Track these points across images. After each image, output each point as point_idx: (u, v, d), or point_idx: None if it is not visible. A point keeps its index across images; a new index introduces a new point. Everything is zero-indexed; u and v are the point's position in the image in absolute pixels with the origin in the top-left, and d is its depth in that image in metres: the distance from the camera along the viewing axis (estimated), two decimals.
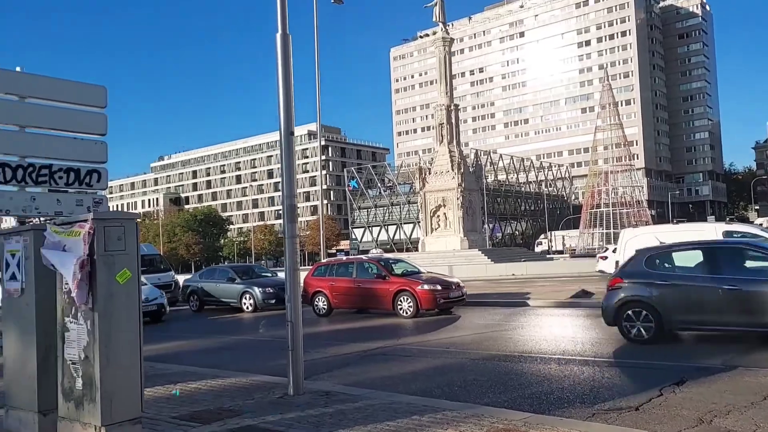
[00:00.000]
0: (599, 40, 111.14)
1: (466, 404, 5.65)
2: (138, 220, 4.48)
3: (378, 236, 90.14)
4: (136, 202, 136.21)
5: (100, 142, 8.40)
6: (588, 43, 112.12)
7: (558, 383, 6.76)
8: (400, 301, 13.76)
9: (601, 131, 70.35)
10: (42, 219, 7.23)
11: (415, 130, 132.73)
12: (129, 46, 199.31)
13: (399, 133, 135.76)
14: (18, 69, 7.68)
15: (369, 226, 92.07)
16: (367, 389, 6.50)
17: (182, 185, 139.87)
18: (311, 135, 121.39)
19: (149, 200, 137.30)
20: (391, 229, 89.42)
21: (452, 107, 41.83)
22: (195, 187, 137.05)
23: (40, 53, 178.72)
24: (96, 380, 4.14)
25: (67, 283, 4.40)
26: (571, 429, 4.69)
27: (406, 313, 13.62)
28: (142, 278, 20.34)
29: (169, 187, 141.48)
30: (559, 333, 10.88)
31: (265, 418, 5.39)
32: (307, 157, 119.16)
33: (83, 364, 4.25)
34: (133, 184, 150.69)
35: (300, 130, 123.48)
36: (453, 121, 42.01)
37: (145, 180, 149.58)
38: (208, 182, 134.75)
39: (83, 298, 4.16)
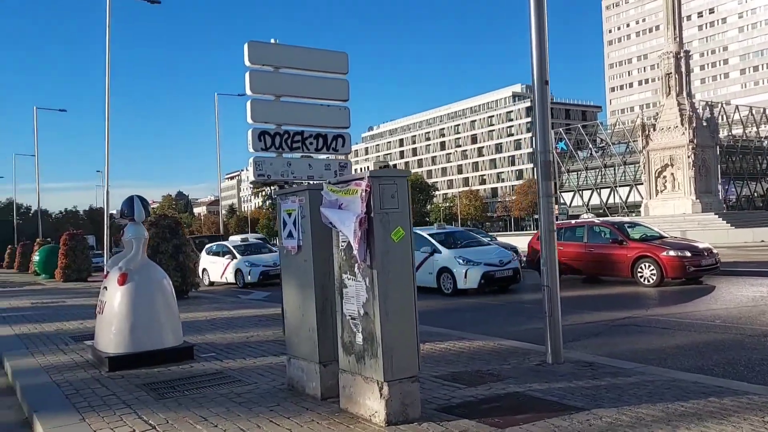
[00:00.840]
0: None
1: None
2: (408, 177, 4.38)
3: (589, 200, 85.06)
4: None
5: (343, 107, 8.71)
6: None
7: None
8: (641, 268, 12.55)
9: None
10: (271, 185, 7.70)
11: (630, 84, 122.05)
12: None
13: (612, 89, 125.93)
14: (273, 41, 8.20)
15: (579, 190, 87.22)
16: (635, 363, 5.86)
17: (390, 153, 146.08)
18: (516, 97, 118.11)
19: (360, 168, 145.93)
20: (604, 192, 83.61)
21: (681, 54, 37.27)
22: (402, 155, 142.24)
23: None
24: (377, 336, 4.16)
25: (344, 241, 4.48)
26: None
27: (648, 281, 12.40)
28: (485, 239, 18.88)
29: (378, 156, 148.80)
30: None
31: (531, 385, 5.09)
32: (512, 120, 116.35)
33: (363, 319, 4.30)
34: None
35: (503, 93, 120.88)
36: (683, 69, 37.50)
37: (356, 150, 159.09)
38: (414, 150, 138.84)
39: (363, 255, 4.17)
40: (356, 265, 4.32)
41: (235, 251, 20.80)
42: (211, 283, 21.15)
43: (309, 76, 8.35)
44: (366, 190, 4.17)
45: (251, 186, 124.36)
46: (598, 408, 4.39)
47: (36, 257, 31.03)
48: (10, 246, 49.13)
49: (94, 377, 6.23)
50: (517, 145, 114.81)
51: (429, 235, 14.74)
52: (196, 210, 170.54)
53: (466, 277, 13.21)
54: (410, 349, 4.27)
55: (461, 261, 13.47)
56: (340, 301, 4.59)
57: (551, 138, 6.01)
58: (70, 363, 7.08)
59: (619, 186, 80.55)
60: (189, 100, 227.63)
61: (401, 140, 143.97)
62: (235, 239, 30.48)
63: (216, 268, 21.18)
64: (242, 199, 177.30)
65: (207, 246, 23.40)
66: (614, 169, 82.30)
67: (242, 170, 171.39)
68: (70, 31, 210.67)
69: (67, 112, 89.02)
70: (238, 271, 20.00)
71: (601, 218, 27.49)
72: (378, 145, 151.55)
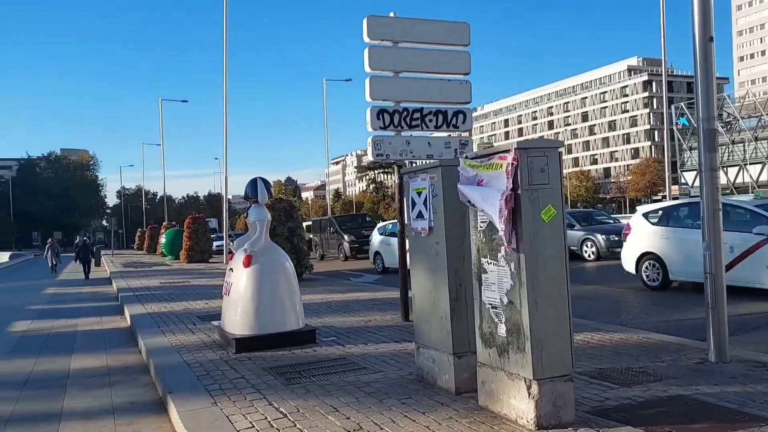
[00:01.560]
0: None
1: None
2: (561, 149, 3.86)
3: None
4: None
5: (464, 81, 8.23)
6: None
7: None
8: None
9: None
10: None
11: (762, 53, 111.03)
12: None
13: (741, 58, 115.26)
14: (392, 14, 7.85)
15: None
16: None
17: (494, 134, 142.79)
18: (631, 71, 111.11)
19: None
20: (732, 171, 76.75)
21: None
22: (506, 135, 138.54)
23: None
24: (524, 328, 3.71)
25: (483, 221, 4.05)
26: None
27: None
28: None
29: (482, 137, 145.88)
30: None
31: (698, 388, 4.43)
32: (627, 95, 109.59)
33: (507, 309, 3.86)
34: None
35: (617, 67, 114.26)
36: None
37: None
38: (520, 130, 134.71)
39: (509, 236, 3.72)
40: (500, 248, 3.88)
41: None
42: (386, 269, 18.03)
43: (429, 50, 7.96)
44: (512, 164, 3.70)
45: (356, 170, 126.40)
46: None
47: (163, 239, 33.20)
48: (139, 229, 53.16)
49: (222, 358, 6.25)
50: (633, 122, 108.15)
51: (759, 207, 9.83)
52: (303, 194, 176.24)
53: None
54: (563, 343, 3.78)
55: None
56: (478, 287, 4.17)
57: (715, 103, 5.20)
58: (199, 343, 7.21)
59: (750, 163, 73.63)
60: (297, 87, 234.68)
61: (506, 120, 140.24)
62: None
63: (395, 251, 18.98)
64: (347, 184, 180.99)
65: (379, 226, 20.33)
66: (743, 146, 75.09)
67: (347, 155, 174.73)
68: (191, 24, 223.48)
69: (188, 102, 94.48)
70: None
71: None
72: (482, 126, 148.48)
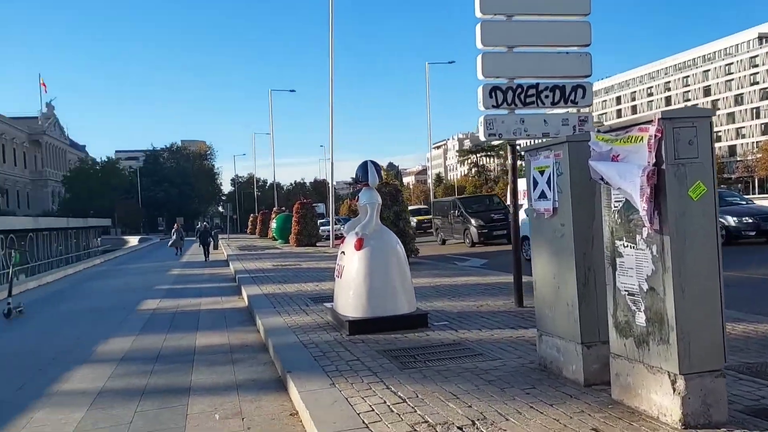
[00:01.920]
0: None
1: None
2: (713, 117, 3.43)
3: None
4: None
5: (583, 54, 7.70)
6: None
7: None
8: None
9: None
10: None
11: None
12: None
13: None
14: None
15: None
16: None
17: (605, 113, 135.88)
18: (762, 38, 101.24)
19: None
20: None
21: None
22: (619, 113, 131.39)
23: None
24: (668, 317, 3.36)
25: (618, 200, 3.71)
26: None
27: None
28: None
29: (593, 116, 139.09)
30: None
31: None
32: (757, 66, 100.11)
33: (647, 296, 3.51)
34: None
35: (745, 35, 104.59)
36: None
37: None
38: (633, 107, 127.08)
39: (651, 217, 3.37)
40: (639, 229, 3.53)
41: None
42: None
43: (545, 22, 7.52)
44: (656, 136, 3.34)
45: (457, 154, 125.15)
46: None
47: (273, 224, 34.60)
48: (252, 214, 55.81)
49: (336, 340, 6.29)
50: (763, 95, 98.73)
51: None
52: (404, 179, 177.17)
53: None
54: (713, 335, 3.39)
55: None
56: (611, 273, 3.84)
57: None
58: (313, 324, 7.32)
59: None
60: (398, 72, 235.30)
61: (618, 98, 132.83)
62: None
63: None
64: (448, 168, 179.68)
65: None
66: None
67: (448, 139, 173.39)
68: (298, 18, 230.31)
69: (295, 92, 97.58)
70: None
71: None
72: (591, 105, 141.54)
